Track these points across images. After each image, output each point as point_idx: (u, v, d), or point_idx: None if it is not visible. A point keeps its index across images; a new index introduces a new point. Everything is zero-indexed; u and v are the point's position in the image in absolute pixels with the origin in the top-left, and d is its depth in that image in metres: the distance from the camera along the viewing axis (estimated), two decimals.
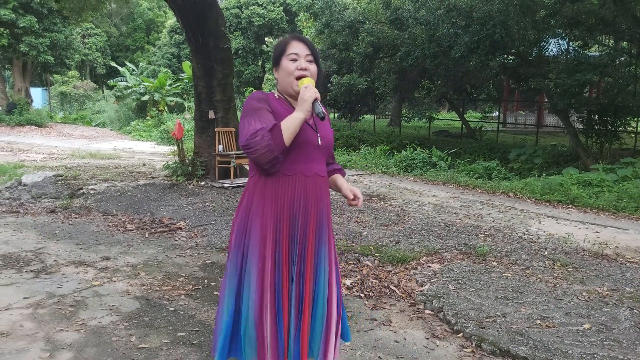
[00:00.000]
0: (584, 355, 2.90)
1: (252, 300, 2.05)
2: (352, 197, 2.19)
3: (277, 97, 2.14)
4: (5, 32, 19.47)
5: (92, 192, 7.52)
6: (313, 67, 2.10)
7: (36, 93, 27.28)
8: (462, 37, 11.09)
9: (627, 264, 4.66)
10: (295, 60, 2.08)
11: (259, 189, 2.07)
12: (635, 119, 12.54)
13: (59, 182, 8.00)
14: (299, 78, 2.06)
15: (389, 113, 23.33)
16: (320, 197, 2.11)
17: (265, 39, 23.51)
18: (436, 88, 15.35)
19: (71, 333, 3.16)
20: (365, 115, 20.89)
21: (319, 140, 2.09)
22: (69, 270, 4.33)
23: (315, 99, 1.96)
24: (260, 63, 27.94)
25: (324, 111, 1.98)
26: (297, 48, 2.09)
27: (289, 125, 1.93)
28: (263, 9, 27.03)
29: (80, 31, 31.66)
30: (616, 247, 5.30)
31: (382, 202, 7.27)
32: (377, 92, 16.02)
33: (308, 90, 1.97)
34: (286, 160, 2.00)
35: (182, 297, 3.80)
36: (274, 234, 2.05)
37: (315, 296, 2.11)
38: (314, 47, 2.14)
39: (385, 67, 15.19)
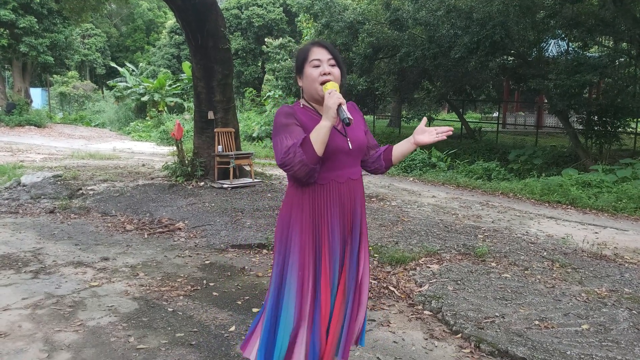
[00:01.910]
0: (583, 356, 2.90)
1: (292, 307, 2.08)
2: (423, 134, 2.19)
3: (302, 106, 2.14)
4: (5, 32, 19.47)
5: (91, 192, 7.52)
6: (336, 71, 2.10)
7: (36, 93, 27.27)
8: (462, 37, 11.08)
9: (626, 265, 4.66)
10: (317, 66, 2.08)
11: (297, 200, 2.11)
12: (635, 120, 12.55)
13: (58, 183, 8.00)
14: (323, 83, 2.06)
15: (389, 114, 23.35)
16: (354, 200, 2.14)
17: (265, 39, 23.45)
18: (436, 89, 15.35)
19: (70, 333, 3.16)
20: (365, 116, 20.91)
21: (350, 144, 2.10)
22: (67, 270, 4.33)
23: (340, 105, 1.95)
24: (260, 64, 27.91)
25: (350, 116, 1.97)
26: (318, 54, 2.09)
27: (318, 135, 1.94)
28: (263, 10, 27.01)
29: (80, 32, 31.66)
30: (615, 247, 5.30)
31: (382, 203, 7.27)
32: (377, 92, 16.02)
33: (332, 96, 1.95)
34: (319, 169, 2.03)
35: (181, 297, 3.79)
36: (313, 243, 2.08)
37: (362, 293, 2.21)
38: (336, 50, 2.14)
39: (385, 67, 15.19)
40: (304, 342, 2.07)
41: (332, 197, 2.07)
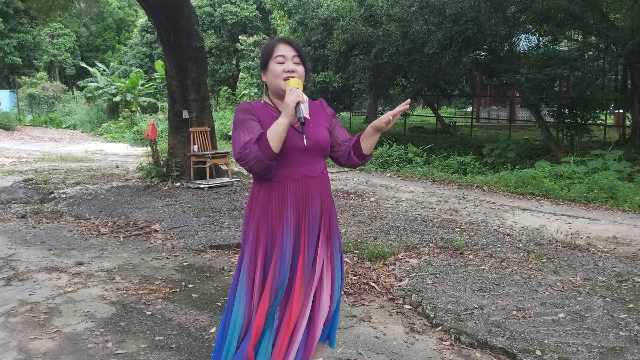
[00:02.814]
0: (560, 344, 2.95)
1: (243, 299, 2.11)
2: (385, 122, 2.08)
3: (262, 103, 2.16)
4: None
5: (63, 196, 7.35)
6: (300, 69, 2.11)
7: (4, 96, 26.47)
8: (435, 33, 11.20)
9: (599, 254, 4.77)
10: (282, 62, 2.08)
11: (255, 196, 2.16)
12: (604, 112, 12.87)
13: (29, 187, 7.80)
14: (286, 79, 2.06)
15: (365, 110, 23.42)
16: (311, 198, 2.12)
17: (239, 37, 23.30)
18: (411, 84, 15.48)
19: (45, 341, 3.08)
20: (341, 113, 20.94)
21: (305, 141, 2.08)
22: (41, 276, 4.22)
23: (299, 103, 1.94)
24: (234, 61, 27.68)
25: (307, 116, 1.96)
26: (283, 50, 2.10)
27: (274, 132, 1.95)
28: (236, 7, 26.79)
29: (48, 31, 30.90)
30: (588, 237, 5.43)
31: (360, 199, 7.30)
32: (353, 89, 16.07)
33: (291, 93, 1.95)
34: (276, 166, 2.04)
35: (159, 300, 3.74)
36: (265, 237, 2.10)
37: (307, 297, 2.14)
38: (301, 48, 2.15)
39: (360, 64, 15.25)
40: (253, 339, 2.08)
41: (286, 193, 2.08)
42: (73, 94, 31.63)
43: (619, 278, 4.08)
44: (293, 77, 2.06)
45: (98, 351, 2.96)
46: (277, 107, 2.13)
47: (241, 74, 25.12)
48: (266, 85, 2.18)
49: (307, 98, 2.07)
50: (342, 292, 3.88)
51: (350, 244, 4.92)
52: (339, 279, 2.25)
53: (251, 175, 2.19)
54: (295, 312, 2.10)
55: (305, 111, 1.95)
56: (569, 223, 6.09)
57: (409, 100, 2.13)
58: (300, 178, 2.09)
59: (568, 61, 10.36)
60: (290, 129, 2.01)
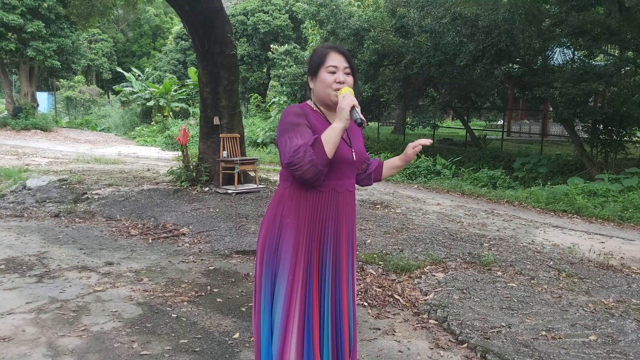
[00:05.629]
0: None
1: (280, 309, 2.06)
2: (412, 150, 2.22)
3: (314, 109, 2.13)
4: (12, 37, 19.59)
5: (96, 196, 7.53)
6: (350, 80, 2.09)
7: (42, 97, 27.37)
8: (467, 45, 11.09)
9: (633, 275, 4.62)
10: (333, 72, 2.06)
11: (294, 202, 2.07)
12: None
13: (64, 187, 8.01)
14: (336, 90, 2.05)
15: (393, 120, 23.33)
16: (350, 212, 2.16)
17: (271, 45, 23.55)
18: (441, 96, 15.35)
19: (73, 338, 3.15)
20: (369, 123, 20.90)
21: (354, 155, 2.11)
22: (72, 275, 4.33)
23: (353, 106, 1.95)
24: (265, 70, 27.97)
25: (362, 118, 1.96)
26: (336, 60, 2.07)
27: (330, 136, 1.92)
28: (269, 16, 27.13)
29: (87, 36, 31.83)
30: (622, 257, 5.26)
31: (386, 210, 7.25)
32: (382, 99, 16.04)
33: (346, 98, 1.96)
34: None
35: (185, 303, 3.78)
36: (305, 247, 2.06)
37: (348, 306, 2.18)
38: (352, 58, 2.13)
39: (390, 74, 15.21)
40: (295, 350, 2.04)
41: (330, 205, 2.07)
42: (108, 97, 32.49)
43: None
44: (343, 87, 2.05)
45: (124, 351, 3.01)
46: (324, 115, 2.13)
47: (271, 82, 25.36)
48: (312, 91, 2.16)
49: None
50: (366, 304, 3.86)
51: (375, 255, 4.89)
52: (352, 293, 2.27)
53: (279, 182, 2.17)
54: (346, 320, 2.16)
55: (360, 114, 1.96)
56: (602, 242, 5.92)
57: (430, 140, 2.24)
58: (343, 191, 2.10)
59: (604, 76, 10.10)
60: (341, 142, 2.00)
